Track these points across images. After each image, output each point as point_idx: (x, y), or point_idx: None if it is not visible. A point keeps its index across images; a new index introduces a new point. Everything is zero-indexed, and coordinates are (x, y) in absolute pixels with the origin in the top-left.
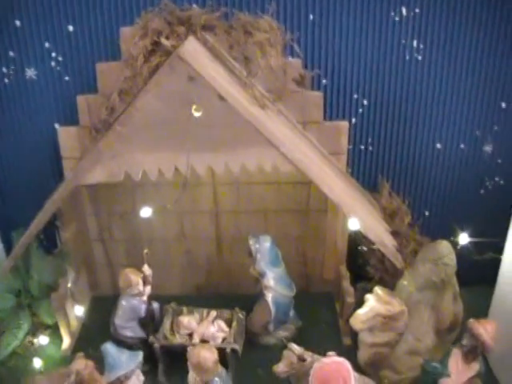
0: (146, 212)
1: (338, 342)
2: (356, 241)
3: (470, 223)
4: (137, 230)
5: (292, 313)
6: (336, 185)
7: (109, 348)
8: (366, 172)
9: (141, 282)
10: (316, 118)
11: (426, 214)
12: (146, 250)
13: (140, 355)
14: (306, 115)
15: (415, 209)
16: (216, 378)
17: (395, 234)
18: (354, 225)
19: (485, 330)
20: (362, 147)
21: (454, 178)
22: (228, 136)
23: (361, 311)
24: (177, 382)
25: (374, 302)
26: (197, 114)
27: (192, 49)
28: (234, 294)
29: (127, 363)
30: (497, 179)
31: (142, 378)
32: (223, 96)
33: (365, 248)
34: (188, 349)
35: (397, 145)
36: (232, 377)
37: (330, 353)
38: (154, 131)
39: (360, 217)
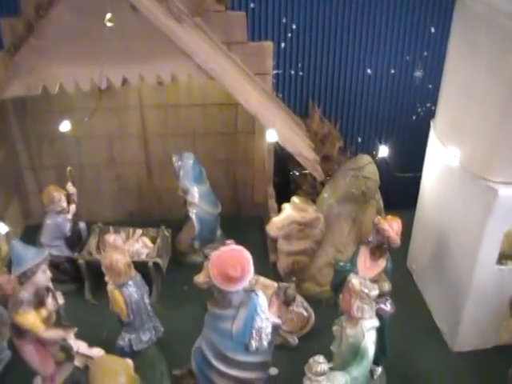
0: (64, 126)
1: (265, 260)
2: (288, 166)
3: (403, 149)
4: (66, 157)
5: (219, 232)
6: (254, 98)
7: (15, 244)
8: (296, 97)
9: (64, 198)
10: (240, 39)
11: (359, 140)
12: (69, 168)
13: (46, 252)
14: (229, 36)
15: (348, 135)
16: (130, 282)
17: (326, 158)
18: (271, 136)
19: (390, 226)
20: (292, 72)
21: (385, 103)
22: (143, 47)
23: (277, 218)
24: (103, 300)
25: (290, 210)
26: (109, 24)
27: None
28: (166, 219)
29: (33, 258)
30: (428, 105)
31: (49, 274)
32: (135, 6)
33: (297, 173)
34: None
35: (327, 70)
36: (156, 292)
37: (228, 241)
38: (68, 44)
39: (278, 129)
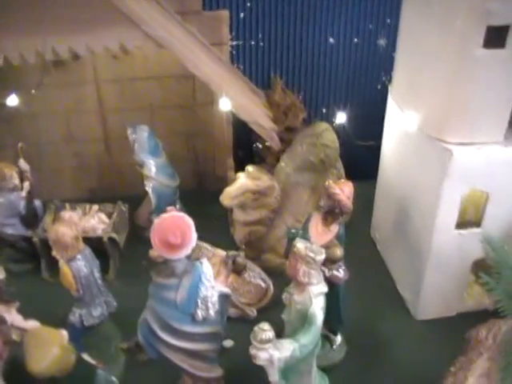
0: (12, 100)
1: (227, 234)
2: (251, 139)
3: (369, 119)
4: (23, 134)
5: (178, 206)
6: (208, 67)
7: None
8: (258, 69)
9: (16, 175)
10: (195, 8)
11: (324, 111)
12: (20, 144)
13: None
14: (184, 5)
15: (312, 106)
16: (78, 256)
17: (289, 130)
18: (225, 105)
19: (341, 189)
20: (253, 43)
21: (349, 73)
22: (89, 17)
23: (230, 188)
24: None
25: (244, 179)
26: None
27: None
28: (127, 195)
29: None
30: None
31: None
32: None
33: (260, 146)
34: None
35: (289, 40)
36: (114, 268)
37: (169, 208)
38: (12, 14)
39: (232, 97)
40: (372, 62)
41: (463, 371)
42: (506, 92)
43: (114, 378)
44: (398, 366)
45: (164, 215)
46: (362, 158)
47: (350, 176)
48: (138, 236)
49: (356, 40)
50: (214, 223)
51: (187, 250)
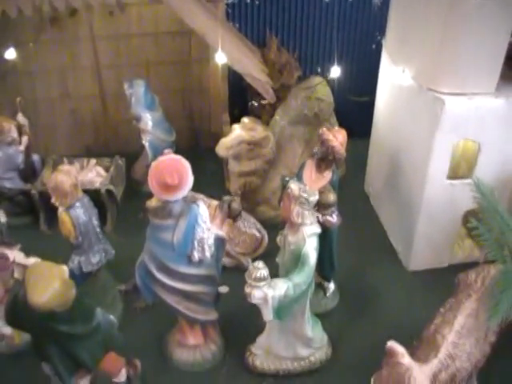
0: (10, 54)
1: (222, 188)
2: (247, 97)
3: (363, 76)
4: (20, 92)
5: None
6: (203, 22)
7: None
8: (254, 27)
9: (14, 129)
10: None
11: (319, 69)
12: (18, 99)
13: None
14: None
15: (307, 64)
16: (77, 203)
17: (284, 87)
18: (220, 58)
19: (334, 136)
20: (248, 1)
21: (344, 31)
22: None
23: (226, 138)
24: (58, 230)
25: (239, 130)
26: None
27: None
28: (123, 151)
29: None
30: None
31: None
32: None
33: (255, 103)
34: None
35: None
36: (112, 220)
37: (166, 150)
38: None
39: (228, 50)
40: (367, 20)
41: (452, 311)
42: (498, 43)
43: (112, 317)
44: (388, 313)
45: (161, 157)
46: (356, 116)
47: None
48: (135, 190)
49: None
50: (209, 178)
51: (184, 192)
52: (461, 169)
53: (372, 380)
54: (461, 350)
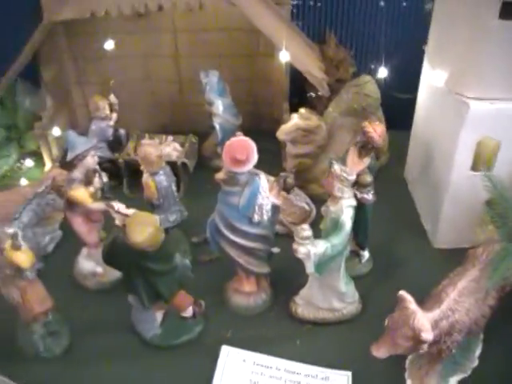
0: (109, 44)
1: (279, 165)
2: (306, 89)
3: (408, 75)
4: (109, 74)
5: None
6: (271, 24)
7: (70, 133)
8: (315, 26)
9: (107, 107)
10: None
11: (372, 67)
12: (112, 81)
13: (94, 140)
14: None
15: (362, 62)
16: (160, 171)
17: (340, 81)
18: (284, 56)
19: (374, 129)
20: (311, 3)
21: (397, 34)
22: None
23: (285, 125)
24: (138, 193)
25: (297, 119)
26: None
27: None
28: (194, 130)
29: (84, 144)
30: None
31: (96, 158)
32: None
33: (313, 95)
34: None
35: (343, 1)
36: (184, 188)
37: (238, 133)
38: None
39: (291, 50)
40: (419, 25)
41: (458, 276)
42: None
43: (187, 261)
44: (412, 280)
45: (233, 138)
46: (401, 110)
47: (390, 124)
48: (205, 165)
49: (404, 4)
50: (269, 158)
51: (249, 166)
52: (482, 162)
53: (386, 320)
54: (460, 306)
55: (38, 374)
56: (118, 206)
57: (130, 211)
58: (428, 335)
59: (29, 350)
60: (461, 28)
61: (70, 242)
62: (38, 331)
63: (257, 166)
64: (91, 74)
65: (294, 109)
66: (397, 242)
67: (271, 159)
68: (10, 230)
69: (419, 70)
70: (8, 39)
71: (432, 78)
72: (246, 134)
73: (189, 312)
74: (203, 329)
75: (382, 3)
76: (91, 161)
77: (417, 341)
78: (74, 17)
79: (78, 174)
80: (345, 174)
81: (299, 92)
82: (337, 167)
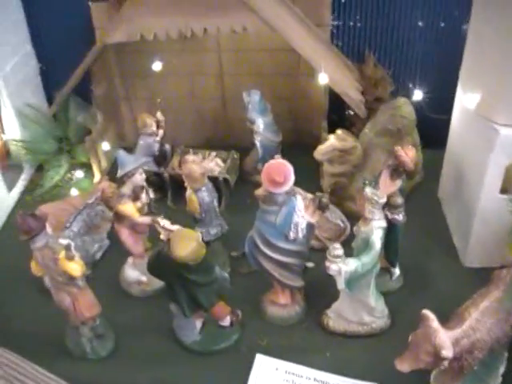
0: (156, 66)
1: (317, 180)
2: (345, 107)
3: (444, 96)
4: (155, 90)
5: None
6: (310, 46)
7: (121, 152)
8: (354, 46)
9: (154, 124)
10: None
11: (410, 85)
12: (159, 100)
13: (143, 159)
14: None
15: (400, 81)
16: (203, 188)
17: (378, 100)
18: (323, 79)
19: (405, 153)
20: (351, 24)
21: (434, 54)
22: (220, 4)
23: (322, 146)
24: (181, 206)
25: (333, 139)
26: None
27: None
28: (236, 145)
29: (133, 163)
30: None
31: (144, 176)
32: None
33: (351, 113)
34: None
35: (382, 22)
36: (225, 202)
37: (276, 156)
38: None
39: (329, 72)
40: (456, 45)
41: (481, 297)
42: None
43: (226, 274)
44: (441, 298)
45: (272, 161)
46: (437, 129)
47: (425, 143)
48: (245, 180)
49: (442, 24)
50: (307, 174)
51: (286, 187)
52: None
53: (410, 337)
54: (482, 325)
55: (84, 374)
56: (164, 222)
57: (175, 227)
58: (448, 352)
59: (76, 352)
60: (492, 54)
61: (117, 251)
62: (85, 334)
63: (296, 180)
64: (139, 90)
65: (333, 126)
66: (428, 260)
67: (310, 174)
68: (64, 242)
69: (455, 90)
70: (64, 60)
71: (464, 103)
72: (286, 150)
73: (226, 321)
74: (239, 337)
75: (420, 23)
76: (139, 178)
77: (438, 357)
78: (124, 40)
79: (126, 189)
80: (376, 198)
81: (338, 110)
82: (368, 190)
